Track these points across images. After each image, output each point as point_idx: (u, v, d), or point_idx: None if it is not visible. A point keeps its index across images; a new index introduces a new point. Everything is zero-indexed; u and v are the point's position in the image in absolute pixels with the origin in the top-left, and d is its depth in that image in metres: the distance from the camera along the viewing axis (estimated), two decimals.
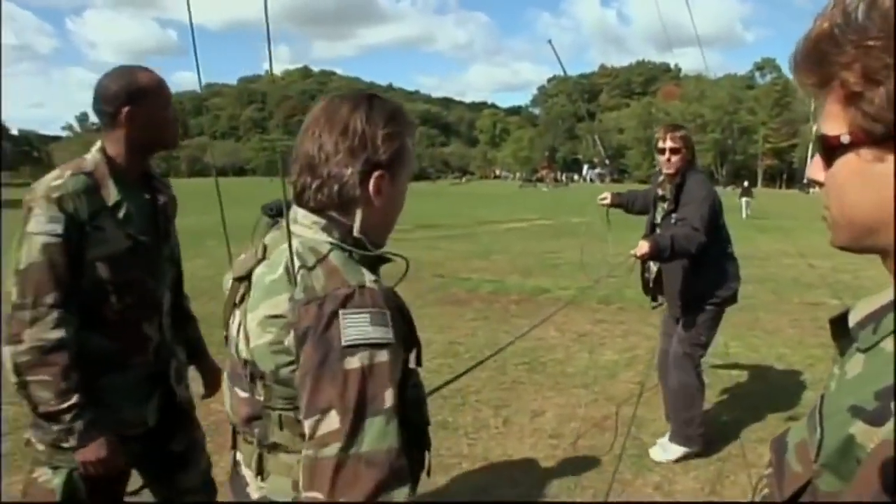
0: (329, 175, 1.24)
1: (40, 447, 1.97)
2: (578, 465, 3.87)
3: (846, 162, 0.75)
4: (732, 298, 4.00)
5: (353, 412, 1.05)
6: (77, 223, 1.87)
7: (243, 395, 1.28)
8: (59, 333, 1.84)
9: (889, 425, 0.65)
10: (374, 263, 1.28)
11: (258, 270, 1.27)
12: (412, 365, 1.25)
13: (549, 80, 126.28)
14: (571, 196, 44.46)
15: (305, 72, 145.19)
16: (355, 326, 1.10)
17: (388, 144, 1.25)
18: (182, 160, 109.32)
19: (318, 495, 1.04)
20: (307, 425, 1.08)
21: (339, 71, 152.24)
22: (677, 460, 3.88)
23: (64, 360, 1.84)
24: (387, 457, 1.05)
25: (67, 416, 1.85)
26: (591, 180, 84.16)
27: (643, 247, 3.55)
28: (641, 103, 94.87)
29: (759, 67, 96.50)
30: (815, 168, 0.81)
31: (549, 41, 3.98)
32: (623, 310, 7.93)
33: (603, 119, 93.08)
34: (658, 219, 4.08)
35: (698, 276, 3.86)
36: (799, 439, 0.81)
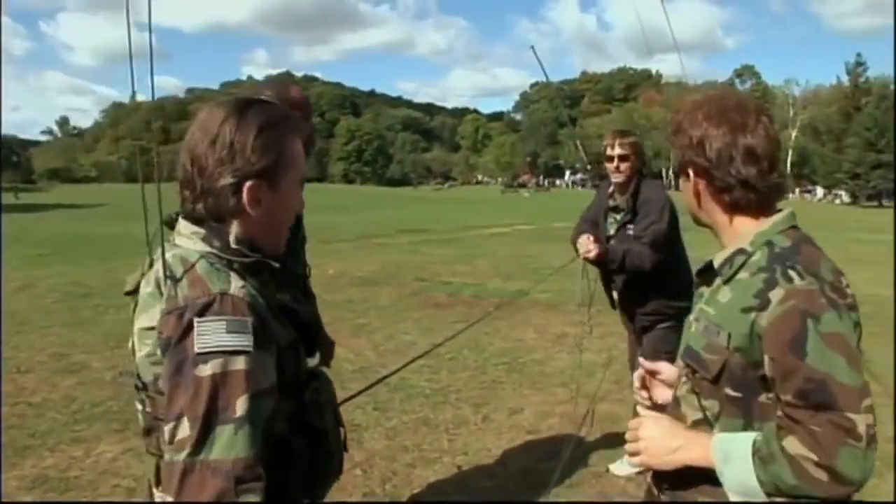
0: (202, 188, 1.23)
1: None
2: (554, 457, 4.00)
3: (684, 182, 1.48)
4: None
5: (201, 420, 1.08)
6: None
7: (139, 407, 1.32)
8: None
9: (770, 307, 1.24)
10: (259, 270, 1.28)
11: (141, 283, 1.30)
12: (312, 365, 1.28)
13: (532, 86, 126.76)
14: (553, 201, 44.66)
15: (287, 77, 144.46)
16: (210, 334, 1.11)
17: (261, 153, 1.22)
18: (164, 165, 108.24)
19: (169, 497, 1.09)
20: (166, 430, 1.11)
21: (319, 76, 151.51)
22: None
23: None
24: (232, 467, 1.07)
25: None
26: (572, 185, 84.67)
27: (592, 249, 3.44)
28: (623, 109, 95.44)
29: (739, 74, 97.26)
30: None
31: (532, 47, 4.06)
32: (601, 312, 8.06)
33: (585, 125, 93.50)
34: (611, 231, 3.74)
35: (653, 288, 3.62)
36: (704, 344, 1.36)
